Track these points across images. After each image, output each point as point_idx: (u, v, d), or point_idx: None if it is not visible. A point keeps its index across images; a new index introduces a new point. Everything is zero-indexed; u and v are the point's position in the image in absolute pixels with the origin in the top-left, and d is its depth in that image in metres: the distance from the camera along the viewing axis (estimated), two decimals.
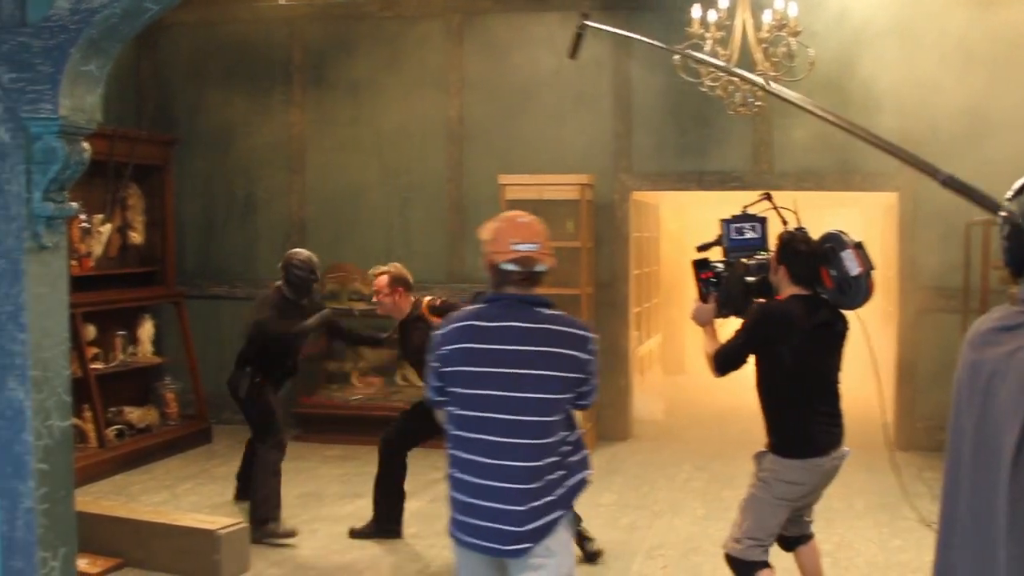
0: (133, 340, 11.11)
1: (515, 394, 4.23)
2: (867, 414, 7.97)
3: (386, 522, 8.10)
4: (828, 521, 7.68)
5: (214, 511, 8.42)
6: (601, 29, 4.81)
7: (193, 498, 9.11)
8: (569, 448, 4.38)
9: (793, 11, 8.18)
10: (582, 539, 7.52)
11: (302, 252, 8.55)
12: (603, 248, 11.30)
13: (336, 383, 11.95)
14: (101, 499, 8.66)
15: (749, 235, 5.97)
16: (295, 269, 8.35)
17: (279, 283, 8.40)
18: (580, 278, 10.77)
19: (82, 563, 6.43)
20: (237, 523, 7.20)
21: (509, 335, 4.29)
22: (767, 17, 8.27)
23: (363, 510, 8.41)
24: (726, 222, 6.05)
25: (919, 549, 7.66)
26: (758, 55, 8.34)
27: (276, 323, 8.15)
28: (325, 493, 9.31)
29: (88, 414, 9.84)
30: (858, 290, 5.46)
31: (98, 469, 9.62)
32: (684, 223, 15.32)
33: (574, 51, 4.69)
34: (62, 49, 3.78)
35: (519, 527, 4.20)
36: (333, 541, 7.98)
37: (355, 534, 8.06)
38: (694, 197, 12.82)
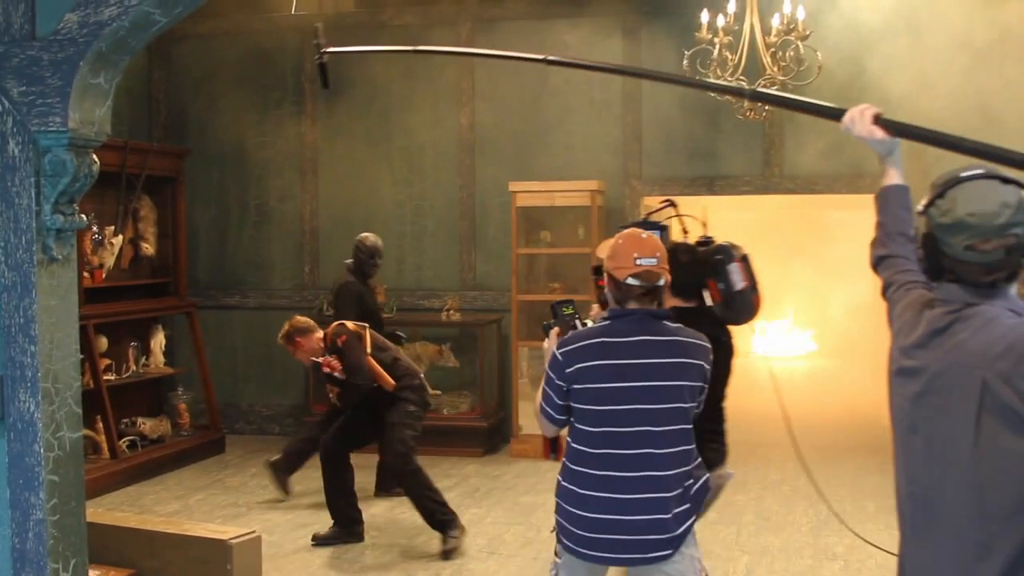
0: (145, 351, 11.13)
1: (654, 406, 4.32)
2: (878, 417, 7.94)
3: (346, 525, 8.19)
4: (840, 524, 7.67)
5: (227, 521, 8.43)
6: (339, 52, 4.71)
7: (206, 508, 9.12)
8: (692, 459, 4.49)
9: (801, 15, 8.19)
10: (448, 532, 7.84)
11: (369, 237, 9.56)
12: None
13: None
14: (114, 510, 8.67)
15: None
16: (359, 252, 9.45)
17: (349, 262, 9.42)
18: (590, 284, 10.72)
19: (94, 574, 6.43)
20: (250, 532, 7.20)
21: (643, 349, 4.36)
22: (776, 21, 8.28)
23: (376, 517, 8.44)
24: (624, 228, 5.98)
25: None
26: (767, 59, 8.34)
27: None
28: None
29: (100, 425, 9.84)
30: (743, 305, 5.34)
31: (111, 480, 9.64)
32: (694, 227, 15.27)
33: (324, 82, 4.63)
34: (71, 62, 3.79)
35: (668, 534, 4.28)
36: (345, 550, 7.97)
37: (318, 541, 8.13)
38: (705, 202, 12.81)
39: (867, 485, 9.21)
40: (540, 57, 4.31)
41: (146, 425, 10.61)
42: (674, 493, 4.31)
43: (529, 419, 10.81)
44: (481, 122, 11.66)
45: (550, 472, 9.98)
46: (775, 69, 8.32)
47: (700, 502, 4.46)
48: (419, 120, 11.80)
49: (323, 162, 12.11)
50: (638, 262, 4.35)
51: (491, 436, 11.13)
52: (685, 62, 8.34)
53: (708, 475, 4.56)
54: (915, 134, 3.29)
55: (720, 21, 8.30)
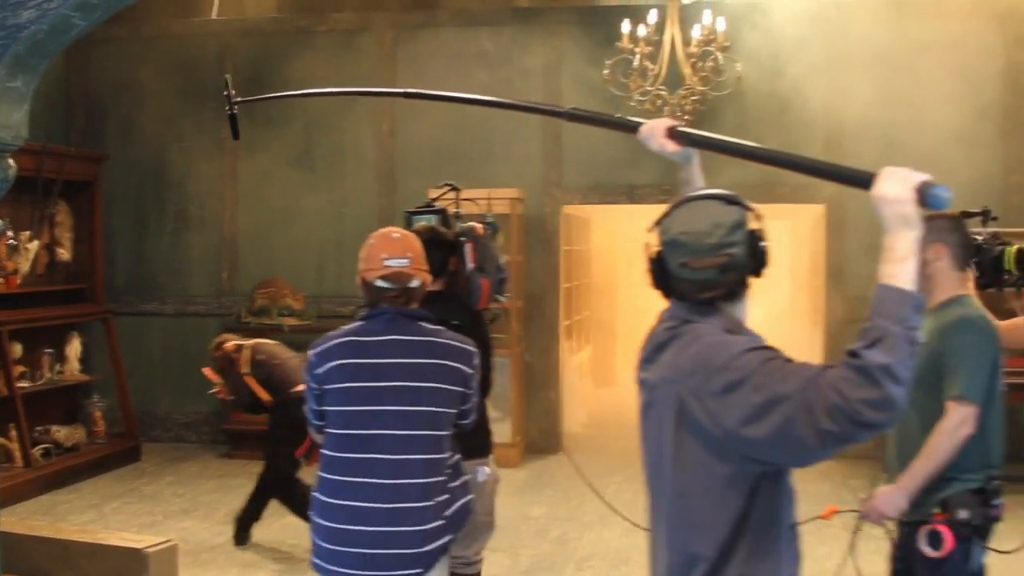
0: (60, 358, 10.98)
1: (403, 408, 4.15)
2: None
3: None
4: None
5: (142, 530, 8.34)
6: (249, 101, 4.72)
7: (121, 517, 9.02)
8: (450, 471, 4.29)
9: (721, 26, 8.28)
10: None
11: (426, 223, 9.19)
12: (534, 261, 11.34)
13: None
14: (27, 519, 8.54)
15: None
16: None
17: None
18: (511, 291, 10.78)
19: None
20: (166, 541, 7.14)
21: (392, 348, 4.22)
22: (696, 32, 8.36)
23: (294, 526, 8.40)
24: (408, 213, 5.99)
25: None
26: (687, 70, 8.42)
27: None
28: None
29: (14, 433, 9.72)
30: (472, 288, 5.40)
31: (24, 489, 9.50)
32: (613, 236, 15.37)
33: (235, 133, 4.63)
34: None
35: (419, 548, 4.10)
36: (263, 558, 7.94)
37: None
38: (626, 210, 12.88)
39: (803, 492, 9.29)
40: (400, 91, 4.30)
41: (61, 433, 10.47)
42: (422, 504, 4.12)
43: None
44: (402, 129, 11.65)
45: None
46: (695, 79, 8.40)
47: (458, 524, 4.29)
48: (340, 127, 11.77)
49: (242, 168, 12.03)
50: (386, 263, 4.27)
51: None
52: (606, 71, 8.40)
53: (471, 497, 4.40)
54: (706, 144, 3.33)
55: (641, 31, 8.37)
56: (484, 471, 5.45)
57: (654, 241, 3.00)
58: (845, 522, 4.55)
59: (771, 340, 2.86)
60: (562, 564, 7.80)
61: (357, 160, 11.78)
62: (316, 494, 4.25)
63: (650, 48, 8.39)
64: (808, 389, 2.59)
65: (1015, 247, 5.50)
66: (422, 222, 5.70)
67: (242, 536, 8.16)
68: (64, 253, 10.87)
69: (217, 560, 7.90)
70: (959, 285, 4.59)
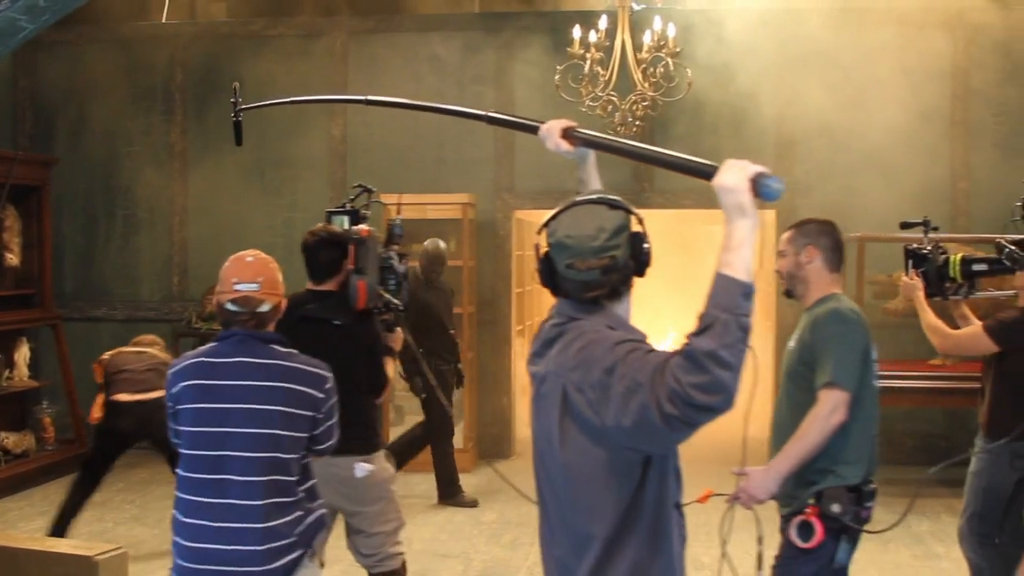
0: (9, 364, 10.88)
1: (247, 430, 4.13)
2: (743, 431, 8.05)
3: None
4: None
5: (92, 537, 8.30)
6: (255, 107, 4.77)
7: (71, 524, 8.95)
8: (304, 495, 4.28)
9: (672, 32, 8.32)
10: None
11: (429, 243, 9.83)
12: (485, 267, 11.34)
13: None
14: None
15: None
16: (422, 259, 9.71)
17: None
18: (462, 297, 10.82)
19: None
20: (116, 549, 7.09)
21: (240, 371, 4.20)
22: (647, 38, 8.39)
23: None
24: (328, 212, 6.09)
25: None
26: (637, 76, 8.45)
27: None
28: None
29: None
30: (349, 288, 5.50)
31: None
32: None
33: (239, 139, 4.68)
34: None
35: (259, 567, 4.10)
36: None
37: None
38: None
39: None
40: (362, 98, 4.30)
41: (9, 439, 10.38)
42: (269, 524, 4.10)
43: (400, 431, 10.82)
44: (353, 134, 11.64)
45: (422, 485, 9.99)
46: (645, 85, 8.43)
47: (310, 539, 4.29)
48: (290, 132, 11.72)
49: (193, 173, 11.98)
50: (236, 287, 4.27)
51: None
52: (557, 77, 8.42)
53: (324, 512, 4.40)
54: (599, 145, 3.44)
55: (592, 37, 8.40)
56: (362, 467, 5.48)
57: (543, 243, 3.16)
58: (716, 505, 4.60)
59: None
60: (515, 569, 7.82)
61: (308, 166, 11.76)
62: (174, 512, 4.29)
63: (601, 54, 8.41)
64: (655, 376, 2.73)
65: (959, 255, 5.62)
66: (320, 224, 5.81)
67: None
68: (12, 258, 10.76)
69: (168, 567, 7.83)
70: (833, 285, 4.73)
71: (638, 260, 3.07)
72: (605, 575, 2.98)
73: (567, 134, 3.46)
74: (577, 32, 8.40)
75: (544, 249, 3.15)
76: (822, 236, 4.73)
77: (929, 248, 5.65)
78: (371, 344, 5.58)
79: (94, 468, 8.06)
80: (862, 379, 4.50)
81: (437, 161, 11.46)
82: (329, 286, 5.52)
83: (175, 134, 12.01)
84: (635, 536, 2.97)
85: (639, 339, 2.98)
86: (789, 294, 4.86)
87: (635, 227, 3.10)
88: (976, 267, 5.61)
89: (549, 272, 3.12)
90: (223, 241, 11.67)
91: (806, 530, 4.48)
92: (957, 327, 5.90)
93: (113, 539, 8.02)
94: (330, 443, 4.42)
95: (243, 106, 4.48)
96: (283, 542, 4.13)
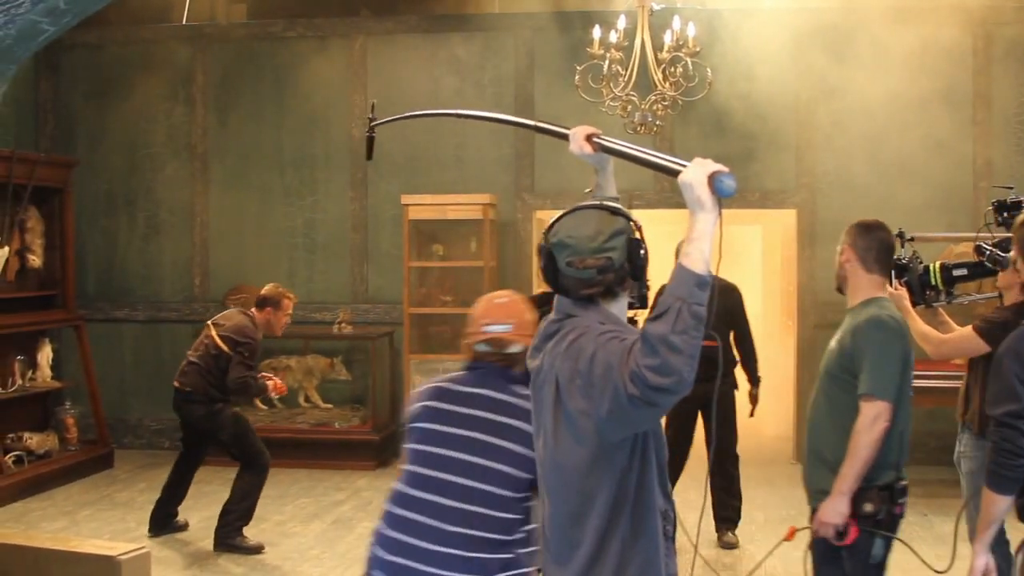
0: (32, 364, 10.92)
1: (475, 460, 4.10)
2: (765, 429, 8.06)
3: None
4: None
5: (115, 537, 8.33)
6: (388, 122, 4.87)
7: (94, 524, 8.98)
8: (523, 536, 4.17)
9: (692, 32, 8.30)
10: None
11: None
12: (506, 267, 11.35)
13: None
14: None
15: None
16: None
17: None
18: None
19: None
20: (139, 548, 7.11)
21: (479, 401, 4.18)
22: (667, 38, 8.38)
23: (266, 532, 8.39)
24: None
25: None
26: (657, 76, 8.44)
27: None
28: None
29: None
30: None
31: None
32: None
33: (369, 154, 4.76)
34: None
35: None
36: (237, 566, 7.92)
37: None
38: None
39: (756, 497, 9.34)
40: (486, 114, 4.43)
41: (32, 440, 10.41)
42: (466, 554, 4.04)
43: None
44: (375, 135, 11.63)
45: None
46: (665, 85, 8.42)
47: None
48: (312, 133, 11.77)
49: (214, 174, 12.01)
50: (485, 329, 4.27)
51: (383, 449, 11.09)
52: (576, 77, 8.42)
53: (531, 569, 4.19)
54: (616, 152, 3.53)
55: (612, 37, 8.38)
56: None
57: (545, 241, 3.37)
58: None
59: None
60: None
61: (329, 166, 11.78)
62: (381, 522, 4.28)
63: (620, 54, 8.39)
64: (623, 358, 2.94)
65: (938, 263, 5.71)
66: None
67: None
68: (35, 259, 10.80)
69: (191, 568, 7.87)
70: (874, 287, 4.87)
71: (634, 263, 3.27)
72: (597, 562, 3.16)
73: (590, 139, 3.62)
74: (597, 32, 8.39)
75: (548, 248, 3.35)
76: (859, 237, 4.89)
77: (908, 258, 5.75)
78: None
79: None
80: (900, 387, 4.63)
81: (457, 161, 11.47)
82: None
83: (196, 135, 12.04)
84: (621, 526, 3.15)
85: (624, 331, 3.17)
86: (840, 290, 5.07)
87: (635, 234, 3.30)
88: (956, 272, 5.72)
89: (552, 269, 3.32)
90: (244, 242, 11.75)
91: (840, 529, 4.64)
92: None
93: (136, 539, 8.05)
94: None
95: (377, 121, 4.79)
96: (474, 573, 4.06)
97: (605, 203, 3.38)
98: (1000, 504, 4.04)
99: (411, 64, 11.60)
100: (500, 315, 4.31)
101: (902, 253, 5.77)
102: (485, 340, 4.26)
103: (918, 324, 5.74)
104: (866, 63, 10.79)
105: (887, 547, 4.68)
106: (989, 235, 5.92)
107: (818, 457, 4.80)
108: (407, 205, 10.95)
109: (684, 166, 2.95)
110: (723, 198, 2.89)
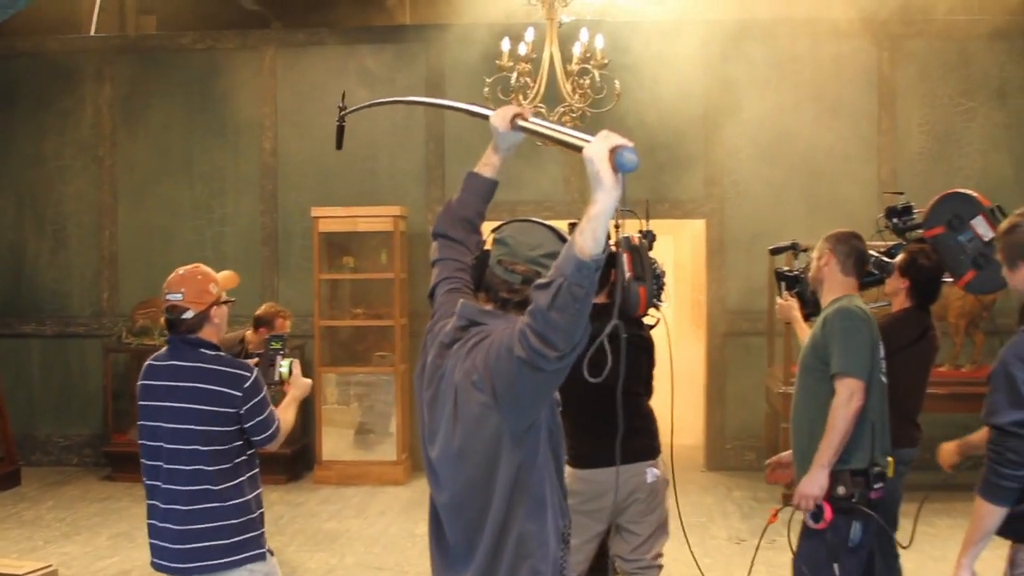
0: None
1: (169, 425, 4.65)
2: (676, 438, 8.10)
3: None
4: None
5: (23, 556, 8.21)
6: (359, 109, 4.99)
7: (1, 543, 8.84)
8: (240, 482, 4.78)
9: (600, 44, 8.37)
10: None
11: None
12: (417, 279, 11.33)
13: None
14: None
15: None
16: None
17: None
18: (394, 309, 10.84)
19: None
20: (47, 567, 7.04)
21: (170, 372, 4.73)
22: (576, 50, 8.44)
23: None
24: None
25: (728, 566, 7.89)
26: (566, 87, 8.50)
27: None
28: (137, 534, 9.11)
29: None
30: (628, 296, 5.43)
31: None
32: None
33: (339, 143, 4.87)
34: None
35: (178, 544, 4.68)
36: None
37: None
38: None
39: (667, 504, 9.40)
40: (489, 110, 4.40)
41: None
42: (189, 507, 4.62)
43: (333, 445, 10.81)
44: (284, 147, 11.61)
45: (355, 498, 10.01)
46: (574, 96, 8.47)
47: (245, 531, 4.73)
48: (220, 145, 11.70)
49: (122, 187, 11.89)
50: (166, 297, 4.75)
51: (294, 463, 11.05)
52: (486, 89, 8.45)
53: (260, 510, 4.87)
54: (529, 130, 3.47)
55: (521, 49, 8.43)
56: (653, 472, 5.57)
57: (489, 241, 3.45)
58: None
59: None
60: None
61: (237, 179, 11.72)
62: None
63: (529, 66, 8.44)
64: (514, 330, 2.98)
65: None
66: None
67: None
68: None
69: None
70: (847, 288, 5.17)
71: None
72: (500, 546, 3.20)
73: (514, 120, 3.54)
74: (506, 44, 8.43)
75: (486, 246, 3.44)
76: (839, 243, 5.24)
77: (800, 270, 5.91)
78: (651, 348, 5.77)
79: None
80: (870, 370, 4.91)
81: (368, 173, 11.46)
82: (599, 299, 5.45)
83: (104, 147, 11.91)
84: (522, 508, 3.19)
85: None
86: (814, 293, 5.45)
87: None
88: None
89: (481, 266, 3.37)
90: (153, 255, 11.62)
91: (816, 512, 4.87)
92: None
93: (44, 557, 7.95)
94: (264, 437, 4.89)
95: (347, 110, 4.86)
96: (204, 525, 4.65)
97: (556, 228, 3.40)
98: (994, 516, 3.96)
99: (321, 76, 11.57)
100: (175, 285, 4.77)
101: (795, 264, 5.92)
102: (166, 308, 4.76)
103: (806, 336, 5.83)
104: (772, 75, 10.96)
105: (865, 530, 4.89)
106: (882, 242, 6.10)
107: (804, 457, 4.98)
108: (317, 217, 10.92)
109: (588, 141, 2.91)
110: (624, 173, 2.83)
